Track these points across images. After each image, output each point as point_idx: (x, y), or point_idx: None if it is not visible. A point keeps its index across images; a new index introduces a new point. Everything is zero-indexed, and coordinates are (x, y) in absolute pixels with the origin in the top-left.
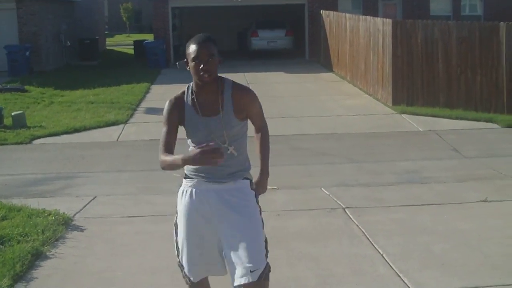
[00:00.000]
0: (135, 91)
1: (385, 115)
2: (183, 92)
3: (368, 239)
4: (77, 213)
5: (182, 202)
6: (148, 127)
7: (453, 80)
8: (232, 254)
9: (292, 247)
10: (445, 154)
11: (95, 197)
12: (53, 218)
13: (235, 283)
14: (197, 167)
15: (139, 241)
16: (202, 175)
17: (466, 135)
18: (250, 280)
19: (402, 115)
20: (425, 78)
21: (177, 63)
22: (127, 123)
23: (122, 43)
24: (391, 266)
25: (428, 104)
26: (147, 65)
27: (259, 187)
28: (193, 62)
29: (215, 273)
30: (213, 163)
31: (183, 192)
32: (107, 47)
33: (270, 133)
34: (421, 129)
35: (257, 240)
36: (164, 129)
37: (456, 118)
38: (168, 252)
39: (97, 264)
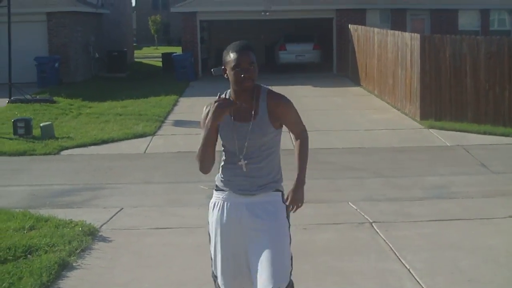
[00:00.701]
0: (163, 103)
1: (413, 130)
2: (217, 97)
3: (395, 253)
4: (103, 224)
5: (213, 214)
6: (175, 139)
7: (481, 95)
8: (257, 270)
9: (318, 261)
10: (472, 169)
11: (122, 208)
12: (80, 229)
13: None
14: (228, 180)
15: (166, 253)
16: (233, 187)
17: (494, 150)
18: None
19: (430, 129)
20: (453, 93)
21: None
22: (154, 135)
23: (150, 55)
24: (418, 282)
25: (456, 119)
26: (175, 78)
27: (294, 195)
28: (234, 70)
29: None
30: (221, 110)
31: (214, 205)
32: (135, 59)
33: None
34: (448, 144)
35: (283, 258)
36: (203, 133)
37: (484, 133)
38: (195, 265)
39: (123, 276)
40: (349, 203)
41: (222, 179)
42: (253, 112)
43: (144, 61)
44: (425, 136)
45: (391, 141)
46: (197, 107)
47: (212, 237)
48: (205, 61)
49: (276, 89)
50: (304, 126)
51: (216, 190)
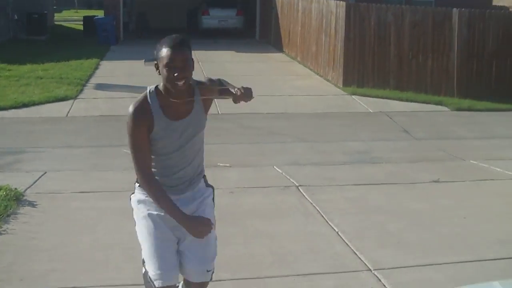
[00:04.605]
0: (84, 67)
1: (336, 96)
2: (145, 96)
3: (323, 217)
4: (27, 188)
5: (142, 210)
6: (97, 103)
7: (404, 64)
8: (190, 254)
9: (247, 224)
10: (395, 136)
11: (45, 172)
12: (4, 193)
13: (192, 280)
14: (163, 177)
15: (92, 217)
16: (164, 185)
17: (416, 117)
18: (208, 280)
19: (353, 96)
20: (376, 61)
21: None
22: (76, 99)
23: (70, 18)
24: (347, 244)
25: (378, 87)
26: (97, 41)
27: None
28: (166, 68)
29: (174, 281)
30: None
31: (139, 201)
32: (55, 22)
33: (220, 112)
34: (371, 110)
35: (212, 243)
36: (134, 143)
37: (407, 101)
38: (121, 228)
39: (50, 240)
40: (275, 167)
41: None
42: (191, 107)
43: (65, 24)
44: (347, 103)
45: (314, 107)
46: (119, 71)
47: (143, 232)
48: (126, 25)
49: (199, 53)
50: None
51: (140, 186)
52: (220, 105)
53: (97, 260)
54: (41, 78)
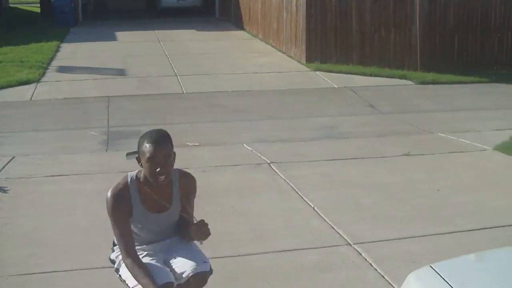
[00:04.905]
0: (44, 50)
1: (300, 72)
2: (126, 183)
3: (297, 193)
4: None
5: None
6: (61, 85)
7: (367, 38)
8: (184, 255)
9: (222, 202)
10: (361, 110)
11: (14, 157)
12: None
13: (192, 273)
14: (141, 245)
15: (66, 200)
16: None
17: (381, 91)
18: (207, 269)
19: (316, 72)
20: (338, 37)
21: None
22: (39, 82)
23: (25, 1)
24: (324, 219)
25: (341, 62)
26: (55, 24)
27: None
28: (148, 163)
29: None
30: None
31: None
32: (10, 5)
33: (185, 91)
34: (336, 86)
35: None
36: (116, 226)
37: (371, 75)
38: (96, 210)
39: (26, 225)
40: (244, 144)
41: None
42: (169, 200)
43: (20, 6)
44: (312, 79)
45: (279, 84)
46: (80, 53)
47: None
48: (85, 7)
49: (159, 33)
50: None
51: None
52: (184, 84)
53: (75, 243)
54: (1, 62)
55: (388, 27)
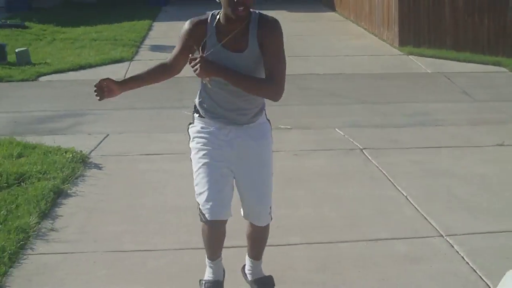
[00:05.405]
0: (137, 28)
1: (393, 56)
2: (207, 18)
3: (389, 180)
4: (92, 150)
5: (199, 140)
6: (154, 64)
7: (460, 23)
8: (250, 193)
9: (314, 187)
10: (455, 97)
11: (108, 134)
12: (70, 155)
13: (256, 223)
14: (212, 111)
15: (160, 179)
16: (220, 118)
17: (475, 78)
18: (269, 221)
19: (410, 56)
20: (431, 21)
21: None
22: (132, 60)
23: None
24: (416, 208)
25: (434, 47)
26: (147, 3)
27: (211, 64)
28: None
29: (224, 216)
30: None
31: (201, 129)
32: None
33: None
34: (429, 71)
35: (270, 185)
36: (174, 50)
37: (464, 61)
38: (190, 191)
39: (119, 203)
40: (336, 129)
41: (206, 108)
42: (247, 41)
43: None
44: (405, 63)
45: (371, 67)
46: (172, 32)
47: (198, 160)
48: None
49: None
50: (279, 79)
51: (200, 117)
52: None
53: (169, 222)
54: (96, 40)
55: (481, 12)
